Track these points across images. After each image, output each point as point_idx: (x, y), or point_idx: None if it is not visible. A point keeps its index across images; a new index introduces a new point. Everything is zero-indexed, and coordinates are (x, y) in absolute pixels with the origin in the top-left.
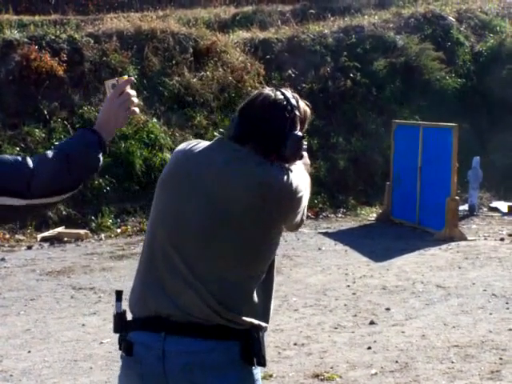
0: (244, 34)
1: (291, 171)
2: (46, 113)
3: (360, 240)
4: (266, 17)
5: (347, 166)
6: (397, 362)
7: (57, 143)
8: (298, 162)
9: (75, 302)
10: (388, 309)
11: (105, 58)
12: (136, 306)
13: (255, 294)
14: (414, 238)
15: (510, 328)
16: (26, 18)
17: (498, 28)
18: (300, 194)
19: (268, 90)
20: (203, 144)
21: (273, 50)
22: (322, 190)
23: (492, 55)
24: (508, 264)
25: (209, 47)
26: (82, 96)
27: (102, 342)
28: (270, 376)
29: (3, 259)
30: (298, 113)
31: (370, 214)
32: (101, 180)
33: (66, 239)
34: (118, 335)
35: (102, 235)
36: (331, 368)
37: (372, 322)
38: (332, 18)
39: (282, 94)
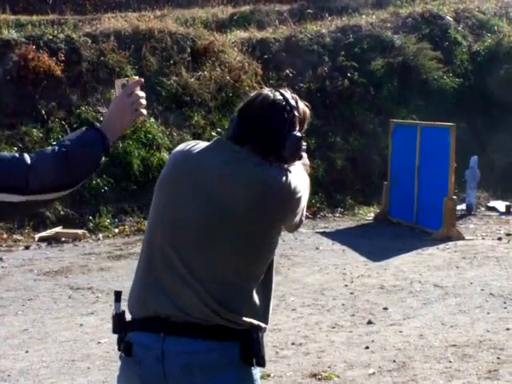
0: (241, 34)
1: (290, 172)
2: (43, 113)
3: (358, 239)
4: (263, 16)
5: (345, 165)
6: (394, 361)
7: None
8: (297, 163)
9: (73, 301)
10: (386, 308)
11: (102, 58)
12: (135, 306)
13: (255, 295)
14: (411, 238)
15: (507, 327)
16: (23, 18)
17: (495, 28)
18: (299, 195)
19: (267, 91)
20: (202, 145)
21: (270, 49)
22: (320, 190)
23: (489, 55)
24: (506, 263)
25: (206, 47)
26: (80, 96)
27: (99, 342)
28: (268, 375)
29: (1, 259)
30: (297, 113)
31: (368, 214)
32: (98, 180)
33: (63, 239)
34: (116, 335)
35: (100, 235)
36: (329, 367)
37: (370, 322)
38: (329, 18)
39: (281, 94)
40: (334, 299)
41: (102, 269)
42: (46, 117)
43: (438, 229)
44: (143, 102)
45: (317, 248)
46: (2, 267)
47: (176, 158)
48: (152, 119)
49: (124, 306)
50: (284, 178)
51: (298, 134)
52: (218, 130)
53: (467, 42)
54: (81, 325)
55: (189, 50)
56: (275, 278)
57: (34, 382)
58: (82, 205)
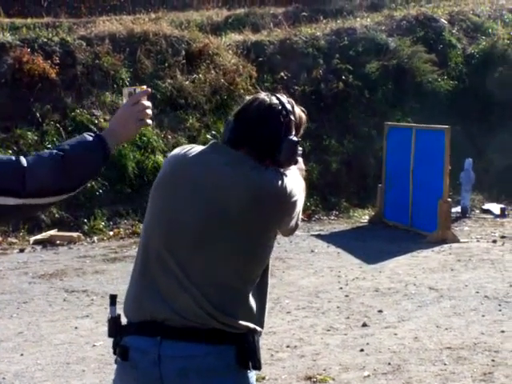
0: (236, 37)
1: (286, 175)
2: (38, 115)
3: (352, 242)
4: (258, 19)
5: (340, 168)
6: (389, 364)
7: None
8: (293, 167)
9: (68, 304)
10: (380, 311)
11: (97, 61)
12: (131, 310)
13: (251, 298)
14: (406, 240)
15: (502, 330)
16: (18, 21)
17: (490, 30)
18: (295, 198)
19: (263, 95)
20: (198, 148)
21: (265, 52)
22: (315, 193)
23: (484, 57)
24: (500, 266)
25: (201, 50)
26: (75, 99)
27: (94, 345)
28: (263, 378)
29: None
30: (293, 118)
31: (363, 217)
32: (93, 183)
33: (58, 242)
34: (111, 339)
35: (95, 238)
36: (324, 370)
37: (364, 325)
38: (324, 21)
39: (278, 98)
40: (328, 302)
41: (96, 272)
42: (40, 120)
43: (433, 231)
44: (149, 112)
45: (312, 251)
46: None
47: (172, 161)
48: None
49: (119, 309)
50: (280, 182)
51: (294, 138)
52: (213, 132)
53: (462, 44)
54: (76, 328)
55: (184, 52)
56: (270, 281)
57: None
58: (76, 208)
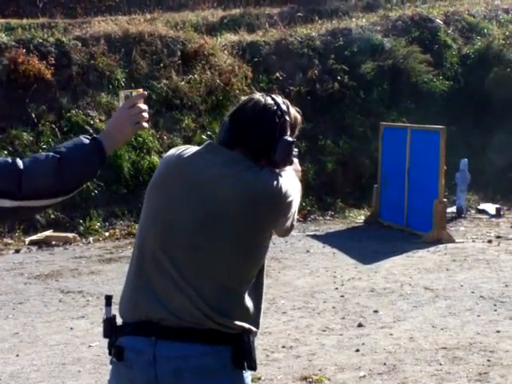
0: (232, 37)
1: (281, 176)
2: (33, 116)
3: (348, 242)
4: (253, 20)
5: (335, 168)
6: (385, 364)
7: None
8: (288, 168)
9: (63, 305)
10: (376, 311)
11: (92, 62)
12: (126, 310)
13: (247, 298)
14: (402, 241)
15: (497, 330)
16: (13, 22)
17: (485, 31)
18: (290, 199)
19: (259, 96)
20: (193, 149)
21: (260, 52)
22: (310, 193)
23: (479, 58)
24: (496, 266)
25: (196, 50)
26: (70, 99)
27: (90, 346)
28: (259, 379)
29: None
30: (288, 118)
31: (358, 217)
32: (89, 183)
33: (54, 243)
34: (106, 339)
35: (91, 238)
36: (319, 371)
37: (360, 325)
38: (320, 21)
39: (273, 99)
40: (324, 302)
41: (92, 272)
42: (36, 120)
43: (429, 231)
44: (145, 115)
45: (307, 251)
46: None
47: (167, 162)
48: None
49: (115, 310)
50: (275, 182)
51: (289, 138)
52: (208, 133)
53: (457, 44)
54: (71, 328)
55: (179, 53)
56: (265, 281)
57: None
58: (72, 208)
